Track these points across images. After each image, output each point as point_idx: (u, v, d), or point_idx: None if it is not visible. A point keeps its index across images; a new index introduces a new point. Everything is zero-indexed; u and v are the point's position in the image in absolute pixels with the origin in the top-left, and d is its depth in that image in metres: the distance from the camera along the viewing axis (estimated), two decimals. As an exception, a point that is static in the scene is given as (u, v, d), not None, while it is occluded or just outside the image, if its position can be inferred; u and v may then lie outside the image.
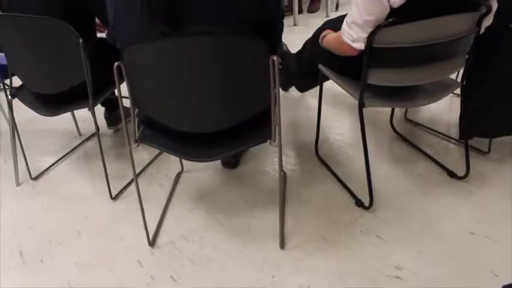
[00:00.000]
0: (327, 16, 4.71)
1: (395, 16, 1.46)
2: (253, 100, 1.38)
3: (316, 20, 4.62)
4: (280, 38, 1.54)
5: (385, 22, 1.47)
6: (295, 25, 4.46)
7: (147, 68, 1.29)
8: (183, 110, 1.36)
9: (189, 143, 1.45)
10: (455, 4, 1.49)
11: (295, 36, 3.83)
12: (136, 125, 1.53)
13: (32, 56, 1.87)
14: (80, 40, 1.70)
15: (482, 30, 1.67)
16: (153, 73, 1.29)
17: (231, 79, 1.29)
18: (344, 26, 1.61)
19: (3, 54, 2.01)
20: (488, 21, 1.67)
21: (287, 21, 4.43)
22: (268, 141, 1.41)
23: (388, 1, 1.43)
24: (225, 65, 1.26)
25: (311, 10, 5.06)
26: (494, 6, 1.64)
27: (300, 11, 4.76)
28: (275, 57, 1.25)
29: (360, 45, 1.56)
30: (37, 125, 2.78)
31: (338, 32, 1.68)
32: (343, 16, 1.70)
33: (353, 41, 1.57)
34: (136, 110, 1.48)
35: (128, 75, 1.32)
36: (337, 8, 4.93)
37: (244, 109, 1.39)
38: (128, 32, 1.28)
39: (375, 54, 1.55)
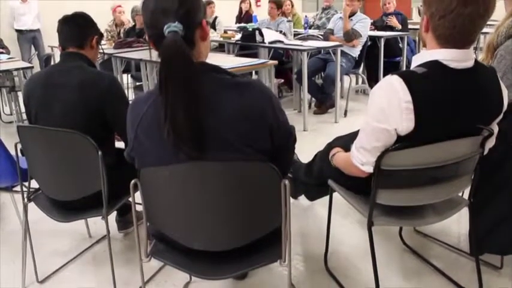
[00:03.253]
0: (335, 122, 4.86)
1: (402, 141, 1.53)
2: (264, 222, 1.42)
3: (326, 126, 4.78)
4: (291, 161, 1.60)
5: (392, 147, 1.54)
6: (304, 130, 4.60)
7: (163, 188, 1.35)
8: (195, 230, 1.40)
9: (200, 260, 1.46)
10: (458, 130, 1.56)
11: (305, 142, 3.93)
12: (147, 237, 1.55)
13: (52, 164, 1.96)
14: (99, 153, 1.78)
15: (486, 151, 1.73)
16: (168, 194, 1.35)
17: (243, 202, 1.35)
18: (353, 149, 1.68)
19: (24, 157, 2.09)
20: (491, 143, 1.73)
21: (297, 126, 4.59)
22: (279, 260, 1.43)
23: (396, 130, 1.50)
24: (238, 189, 1.32)
25: (318, 112, 5.24)
26: (496, 129, 1.71)
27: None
28: (286, 182, 1.31)
29: (369, 168, 1.62)
30: (48, 224, 2.78)
31: (347, 153, 1.75)
32: (353, 134, 1.78)
33: (362, 164, 1.64)
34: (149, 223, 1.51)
35: (143, 193, 1.38)
36: (345, 114, 5.10)
37: (255, 230, 1.42)
38: (147, 154, 1.35)
39: (382, 175, 1.60)
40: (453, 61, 1.51)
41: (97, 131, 1.90)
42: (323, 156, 2.13)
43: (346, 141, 1.93)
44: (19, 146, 2.04)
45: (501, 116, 1.68)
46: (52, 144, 1.90)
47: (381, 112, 1.51)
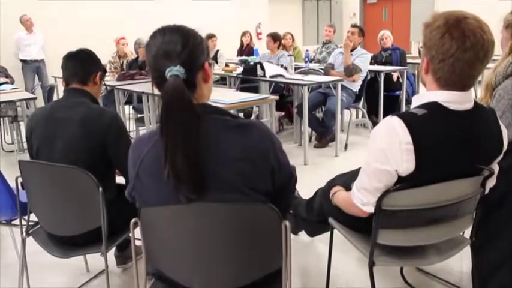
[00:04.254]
0: (336, 155, 4.87)
1: (403, 182, 1.53)
2: (264, 262, 1.41)
3: (326, 160, 4.79)
4: (292, 202, 1.60)
5: (394, 187, 1.54)
6: (305, 164, 4.59)
7: (163, 228, 1.35)
8: (196, 270, 1.38)
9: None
10: (459, 170, 1.57)
11: (305, 176, 3.92)
12: (146, 276, 1.54)
13: (52, 199, 1.96)
14: (100, 189, 1.78)
15: (487, 191, 1.73)
16: (169, 234, 1.35)
17: (243, 243, 1.34)
18: (354, 189, 1.68)
19: (24, 191, 2.09)
20: (492, 182, 1.73)
21: (298, 159, 4.61)
22: (278, 301, 1.41)
23: (397, 171, 1.51)
24: (238, 230, 1.32)
25: (318, 146, 5.26)
26: (496, 168, 1.72)
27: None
28: (287, 223, 1.30)
29: (369, 209, 1.62)
30: (46, 258, 2.74)
31: (348, 193, 1.75)
32: (354, 172, 1.79)
33: (363, 205, 1.64)
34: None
35: (144, 232, 1.37)
36: (346, 148, 5.11)
37: (255, 271, 1.41)
38: (148, 194, 1.35)
39: (383, 215, 1.60)
40: (453, 103, 1.53)
41: (98, 166, 1.91)
42: (324, 193, 2.13)
43: (346, 180, 1.93)
44: (19, 180, 2.05)
45: (501, 156, 1.69)
46: (53, 179, 1.90)
47: (382, 153, 1.52)
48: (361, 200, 1.64)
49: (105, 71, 2.26)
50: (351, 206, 1.71)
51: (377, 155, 1.54)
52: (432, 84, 1.56)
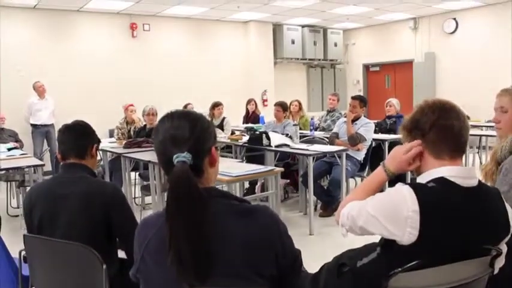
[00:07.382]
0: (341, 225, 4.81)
1: (404, 253, 1.52)
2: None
3: (332, 229, 4.71)
4: (297, 285, 1.58)
5: (400, 269, 1.52)
6: (310, 234, 4.54)
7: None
8: None
9: None
10: (464, 249, 1.55)
11: (310, 246, 3.89)
12: None
13: (55, 274, 1.96)
14: (104, 266, 1.77)
15: (496, 271, 1.70)
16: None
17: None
18: (345, 210, 1.72)
19: (27, 265, 2.07)
20: (501, 262, 1.71)
21: (303, 229, 4.56)
22: None
23: (394, 234, 1.52)
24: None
25: (323, 215, 5.22)
26: (504, 249, 1.69)
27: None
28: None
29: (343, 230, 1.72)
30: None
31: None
32: (362, 248, 1.78)
33: (342, 225, 1.72)
34: None
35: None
36: (351, 217, 5.05)
37: None
38: (152, 277, 1.34)
39: (391, 298, 1.57)
40: (458, 177, 1.56)
41: (100, 241, 1.92)
42: (330, 269, 2.09)
43: (354, 256, 1.90)
44: (23, 253, 2.03)
45: (509, 236, 1.68)
46: (56, 255, 1.91)
47: (386, 210, 1.54)
48: (343, 220, 1.71)
49: (99, 142, 2.27)
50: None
51: (380, 210, 1.56)
52: (431, 161, 1.62)
